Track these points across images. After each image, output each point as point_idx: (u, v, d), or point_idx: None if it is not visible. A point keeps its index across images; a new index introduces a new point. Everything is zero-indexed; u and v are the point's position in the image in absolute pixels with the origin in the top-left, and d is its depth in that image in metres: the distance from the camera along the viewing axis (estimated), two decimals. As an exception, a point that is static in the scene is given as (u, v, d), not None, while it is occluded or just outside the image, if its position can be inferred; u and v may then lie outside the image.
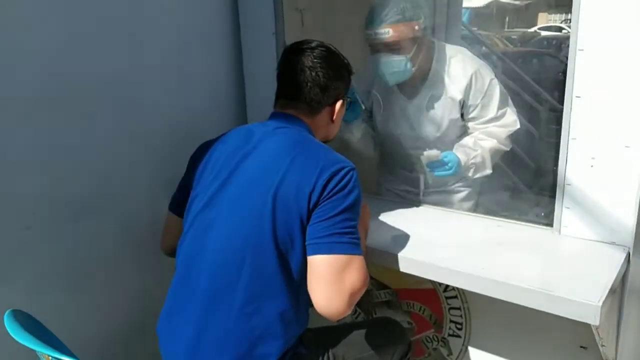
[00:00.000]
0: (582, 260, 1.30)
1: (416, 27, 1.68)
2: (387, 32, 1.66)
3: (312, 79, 1.29)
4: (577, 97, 1.30)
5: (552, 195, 1.41)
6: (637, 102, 1.23)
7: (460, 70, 1.78)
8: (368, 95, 1.94)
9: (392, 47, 1.69)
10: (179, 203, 1.37)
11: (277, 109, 1.35)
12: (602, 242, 1.34)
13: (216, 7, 1.92)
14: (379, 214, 1.65)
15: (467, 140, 1.81)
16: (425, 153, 1.76)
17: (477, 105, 1.78)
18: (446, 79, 1.80)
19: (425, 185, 1.93)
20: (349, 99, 1.44)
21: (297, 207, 1.14)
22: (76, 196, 1.55)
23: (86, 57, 1.53)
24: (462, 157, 1.75)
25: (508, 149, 1.83)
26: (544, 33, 10.35)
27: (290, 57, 1.33)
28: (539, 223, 1.49)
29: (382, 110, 1.93)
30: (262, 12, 1.90)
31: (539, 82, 3.91)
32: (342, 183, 1.15)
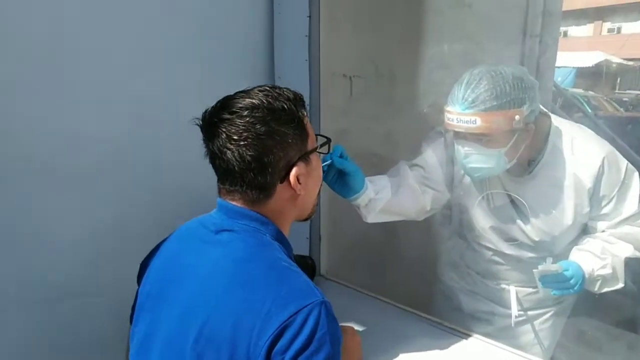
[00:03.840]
0: None
1: (517, 117, 1.27)
2: (473, 121, 1.27)
3: (238, 163, 0.90)
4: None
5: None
6: None
7: (588, 151, 1.38)
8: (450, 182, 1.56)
9: (480, 138, 1.32)
10: None
11: (221, 196, 0.99)
12: None
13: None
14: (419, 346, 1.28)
15: (592, 245, 1.40)
16: (541, 267, 1.34)
17: (611, 198, 1.37)
18: (571, 159, 1.38)
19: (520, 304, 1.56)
20: (325, 151, 1.08)
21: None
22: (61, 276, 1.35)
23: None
24: (587, 269, 1.34)
25: None
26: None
27: (207, 136, 0.94)
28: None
29: (471, 194, 1.52)
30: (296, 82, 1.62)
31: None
32: (302, 338, 0.80)
